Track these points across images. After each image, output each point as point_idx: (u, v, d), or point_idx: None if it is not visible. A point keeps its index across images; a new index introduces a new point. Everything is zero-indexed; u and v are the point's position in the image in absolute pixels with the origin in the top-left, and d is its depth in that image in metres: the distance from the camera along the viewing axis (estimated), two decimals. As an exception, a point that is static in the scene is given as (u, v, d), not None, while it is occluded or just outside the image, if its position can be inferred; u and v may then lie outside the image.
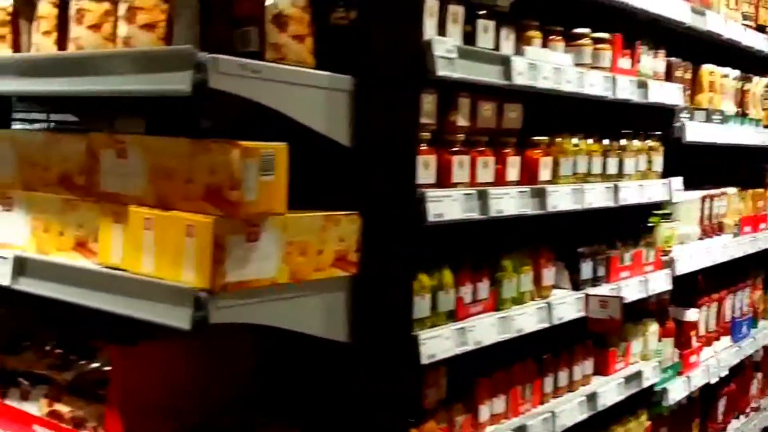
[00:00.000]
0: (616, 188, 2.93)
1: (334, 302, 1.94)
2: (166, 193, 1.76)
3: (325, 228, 1.87)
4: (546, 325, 2.62)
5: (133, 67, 1.68)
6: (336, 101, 1.93)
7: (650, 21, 3.22)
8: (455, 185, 2.25)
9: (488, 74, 2.30)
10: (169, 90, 1.63)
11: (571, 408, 2.76)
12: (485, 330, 2.34)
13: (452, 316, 2.29)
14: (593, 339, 3.03)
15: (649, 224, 3.40)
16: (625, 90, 2.95)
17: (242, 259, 1.68)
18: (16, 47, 2.03)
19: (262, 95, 1.74)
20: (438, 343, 2.15)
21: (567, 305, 2.74)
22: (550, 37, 2.72)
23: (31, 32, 2.01)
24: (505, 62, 2.36)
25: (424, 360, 2.11)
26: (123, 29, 1.77)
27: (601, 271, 2.99)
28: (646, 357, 3.35)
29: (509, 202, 2.40)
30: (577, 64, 2.77)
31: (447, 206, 2.16)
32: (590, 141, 2.87)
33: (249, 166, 1.66)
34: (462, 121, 2.33)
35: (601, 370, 3.08)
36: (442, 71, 2.09)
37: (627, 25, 3.09)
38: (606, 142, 2.96)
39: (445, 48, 2.10)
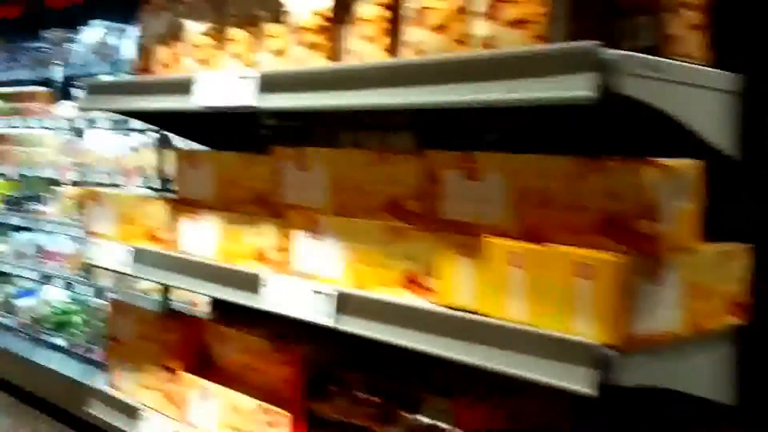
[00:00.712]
0: None
1: (724, 356, 1.57)
2: (536, 223, 1.46)
3: (719, 265, 1.51)
4: None
5: (511, 71, 1.38)
6: (726, 105, 1.56)
7: None
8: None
9: None
10: (566, 97, 1.32)
11: None
12: None
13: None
14: None
15: None
16: None
17: (649, 307, 1.34)
18: (332, 56, 1.79)
19: (662, 100, 1.39)
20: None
21: None
22: None
23: (346, 38, 1.77)
24: None
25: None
26: (482, 28, 1.48)
27: None
28: None
29: None
30: None
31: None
32: None
33: (665, 190, 1.32)
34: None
35: None
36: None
37: None
38: None
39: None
